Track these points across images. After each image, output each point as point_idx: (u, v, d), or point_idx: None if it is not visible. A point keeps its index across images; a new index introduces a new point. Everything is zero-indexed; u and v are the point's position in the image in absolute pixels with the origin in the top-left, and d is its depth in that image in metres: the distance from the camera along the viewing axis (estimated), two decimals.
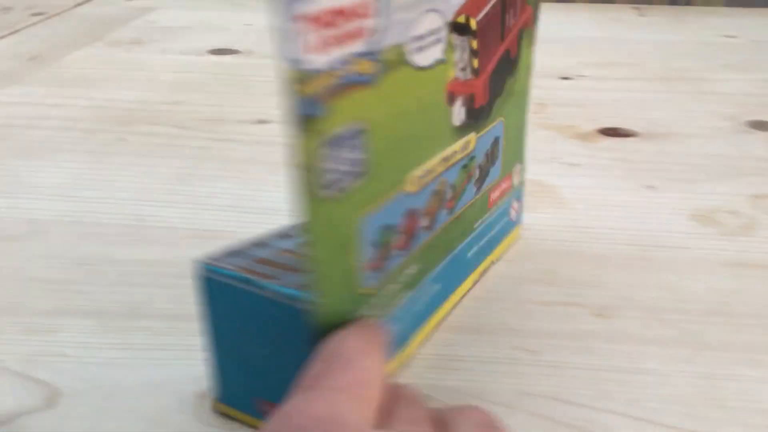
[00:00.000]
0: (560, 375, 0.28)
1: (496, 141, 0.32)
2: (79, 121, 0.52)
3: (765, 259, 0.36)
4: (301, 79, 0.19)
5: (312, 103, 0.20)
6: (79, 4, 0.86)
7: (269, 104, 0.55)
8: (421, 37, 0.25)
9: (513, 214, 0.36)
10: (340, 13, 0.20)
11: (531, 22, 0.33)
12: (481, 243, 0.33)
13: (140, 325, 0.31)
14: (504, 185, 0.34)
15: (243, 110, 0.54)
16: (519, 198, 0.37)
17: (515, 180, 0.36)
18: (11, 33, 0.75)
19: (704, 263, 0.35)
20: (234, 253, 0.25)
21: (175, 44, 0.70)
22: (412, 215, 0.26)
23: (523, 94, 0.34)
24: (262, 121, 0.52)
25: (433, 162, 0.27)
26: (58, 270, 0.34)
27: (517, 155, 0.35)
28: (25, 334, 0.30)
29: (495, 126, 0.32)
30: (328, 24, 0.20)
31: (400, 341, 0.27)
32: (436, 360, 0.29)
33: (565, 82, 0.61)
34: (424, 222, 0.27)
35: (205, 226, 0.38)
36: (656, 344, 0.30)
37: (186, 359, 0.29)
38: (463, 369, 0.28)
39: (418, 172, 0.26)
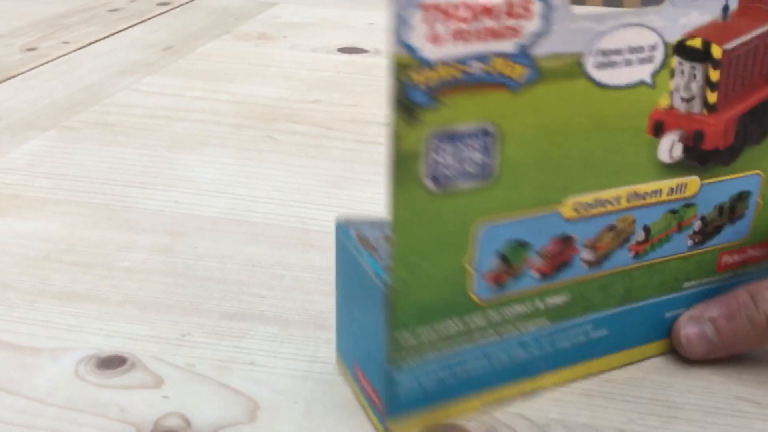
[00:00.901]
0: None
1: (743, 197, 0.27)
2: (224, 115, 0.51)
3: None
4: (410, 65, 0.19)
5: (421, 93, 0.20)
6: None
7: None
8: (611, 52, 0.23)
9: None
10: (481, 10, 0.20)
11: None
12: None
13: (325, 337, 0.29)
14: (754, 252, 0.29)
15: (383, 111, 0.53)
16: None
17: None
18: (141, 22, 0.75)
19: None
20: (372, 224, 0.26)
21: (304, 41, 0.70)
22: (565, 242, 0.24)
23: None
24: None
25: (613, 194, 0.25)
26: (233, 271, 0.34)
27: None
28: (213, 338, 0.29)
29: (744, 178, 0.27)
30: (458, 17, 0.20)
31: (529, 370, 0.26)
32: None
33: None
34: (586, 255, 0.25)
35: None
36: None
37: None
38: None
39: (584, 198, 0.24)
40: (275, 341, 0.29)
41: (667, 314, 0.28)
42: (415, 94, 0.20)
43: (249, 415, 0.25)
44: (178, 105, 0.53)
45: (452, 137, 0.21)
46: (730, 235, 0.28)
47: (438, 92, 0.20)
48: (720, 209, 0.27)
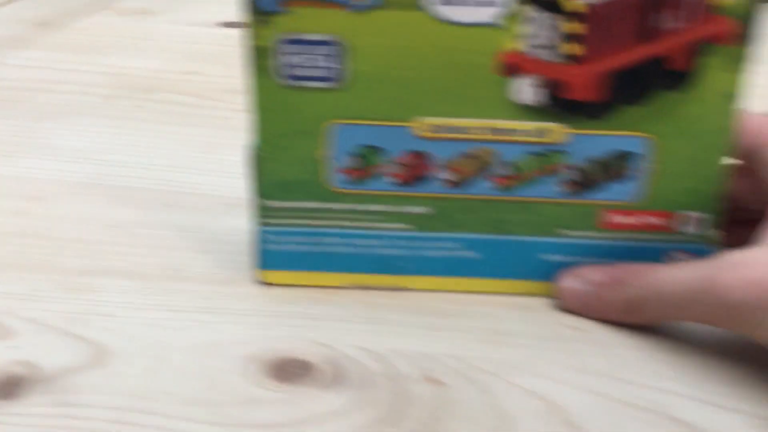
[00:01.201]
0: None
1: (625, 156, 0.28)
2: (96, 86, 0.51)
3: None
4: None
5: (269, 1, 0.26)
6: None
7: None
8: None
9: None
10: None
11: (730, 40, 0.26)
12: (576, 260, 0.30)
13: (183, 288, 0.30)
14: (648, 219, 0.30)
15: None
16: (697, 253, 0.30)
17: (684, 227, 0.30)
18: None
19: None
20: None
21: (185, 15, 0.69)
22: (418, 156, 0.28)
23: (716, 132, 0.28)
24: None
25: (466, 123, 0.28)
26: (91, 232, 0.34)
27: (695, 201, 0.29)
28: (65, 293, 0.30)
29: (623, 138, 0.28)
30: None
31: (394, 267, 0.31)
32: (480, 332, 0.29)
33: None
34: (446, 175, 0.29)
35: (235, 193, 0.38)
36: None
37: (232, 323, 0.29)
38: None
39: (435, 121, 0.28)
40: (131, 293, 0.30)
41: (543, 256, 0.30)
42: (263, 2, 0.26)
43: (99, 360, 0.26)
44: (50, 77, 0.52)
45: (301, 42, 0.26)
46: (614, 193, 0.29)
47: (285, 3, 0.26)
48: (597, 163, 0.28)
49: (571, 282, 0.30)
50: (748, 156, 0.29)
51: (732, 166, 0.29)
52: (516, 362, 0.27)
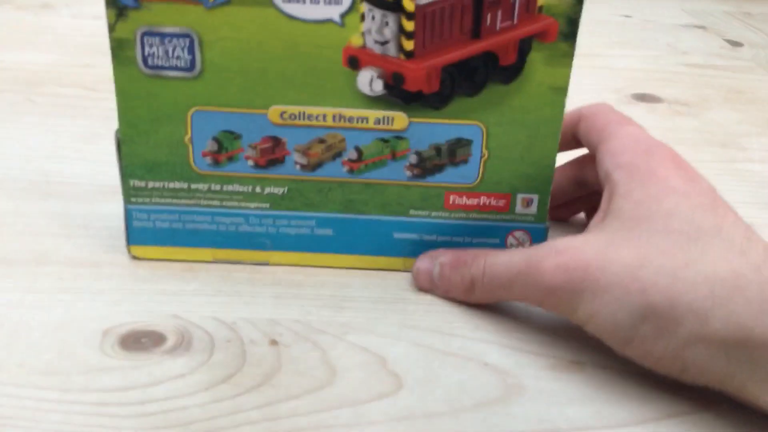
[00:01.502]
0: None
1: (462, 143, 0.31)
2: None
3: None
4: None
5: None
6: None
7: None
8: None
9: (515, 244, 0.33)
10: None
11: (552, 37, 0.29)
12: (426, 238, 0.33)
13: (46, 271, 0.32)
14: (487, 200, 0.32)
15: None
16: (535, 234, 0.33)
17: (521, 209, 0.32)
18: None
19: (579, 225, 0.39)
20: None
21: (86, 9, 0.70)
22: (274, 141, 0.31)
23: (544, 122, 0.30)
24: None
25: (317, 111, 0.30)
26: None
27: (528, 184, 0.32)
28: None
29: (460, 126, 0.31)
30: None
31: (255, 242, 0.33)
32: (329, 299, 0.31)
33: None
34: (299, 159, 0.31)
35: (109, 181, 0.40)
36: None
37: (90, 301, 0.30)
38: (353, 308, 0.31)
39: (288, 109, 0.30)
40: None
41: (396, 235, 0.33)
42: None
43: None
44: None
45: (158, 34, 0.29)
46: (455, 177, 0.32)
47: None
48: (437, 149, 0.31)
49: (424, 262, 0.32)
50: (593, 149, 0.32)
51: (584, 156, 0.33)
52: (356, 324, 0.30)
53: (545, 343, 0.29)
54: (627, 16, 0.79)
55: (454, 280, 0.31)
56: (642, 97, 0.56)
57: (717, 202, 0.27)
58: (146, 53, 0.29)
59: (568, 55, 0.30)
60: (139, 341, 0.28)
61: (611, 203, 0.28)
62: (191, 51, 0.29)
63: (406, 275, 0.33)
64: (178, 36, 0.29)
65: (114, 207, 0.35)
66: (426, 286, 0.32)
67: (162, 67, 0.29)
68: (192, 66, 0.30)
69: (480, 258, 0.30)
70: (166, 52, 0.29)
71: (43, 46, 0.59)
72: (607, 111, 0.32)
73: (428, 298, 0.32)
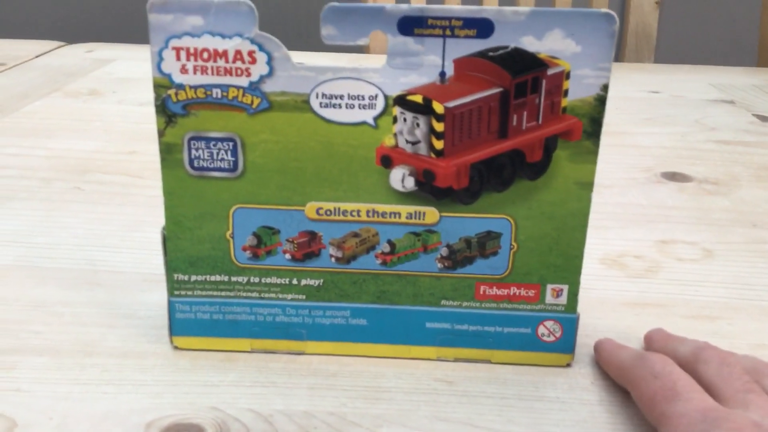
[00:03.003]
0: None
1: (492, 236, 0.32)
2: (36, 170, 0.54)
3: (663, 299, 0.40)
4: (167, 86, 0.30)
5: (175, 105, 0.30)
6: (39, 56, 0.89)
7: None
8: (333, 96, 0.30)
9: (546, 334, 0.34)
10: (216, 54, 0.30)
11: (577, 136, 0.31)
12: (457, 328, 0.34)
13: (92, 362, 0.33)
14: (517, 291, 0.33)
15: None
16: (565, 324, 0.33)
17: (551, 299, 0.33)
18: None
19: (609, 302, 0.39)
20: None
21: (132, 95, 0.74)
22: (311, 236, 0.33)
23: (571, 215, 0.32)
24: None
25: (352, 207, 0.32)
26: (14, 312, 0.37)
27: (557, 274, 0.33)
28: None
29: (490, 219, 0.32)
30: (200, 56, 0.30)
31: (291, 332, 0.34)
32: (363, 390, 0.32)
33: None
34: (334, 252, 0.33)
35: (153, 269, 0.41)
36: (559, 374, 0.33)
37: (134, 393, 0.32)
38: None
39: (324, 205, 0.32)
40: (42, 369, 0.33)
41: (428, 324, 0.34)
42: (171, 106, 0.30)
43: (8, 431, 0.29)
44: None
45: (204, 139, 0.31)
46: (485, 268, 0.33)
47: (189, 106, 0.30)
48: (467, 242, 0.33)
49: (609, 343, 0.34)
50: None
51: None
52: (389, 416, 0.30)
53: None
54: (655, 92, 0.80)
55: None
56: (672, 176, 0.57)
57: None
58: (193, 156, 0.31)
59: (593, 152, 0.31)
60: None
61: None
62: (234, 153, 0.31)
63: (438, 364, 0.34)
64: (222, 140, 0.31)
65: (157, 296, 0.37)
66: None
67: (207, 168, 0.32)
68: (235, 167, 0.32)
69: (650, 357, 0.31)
70: (211, 154, 0.31)
71: (90, 134, 0.62)
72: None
73: (460, 389, 0.32)
